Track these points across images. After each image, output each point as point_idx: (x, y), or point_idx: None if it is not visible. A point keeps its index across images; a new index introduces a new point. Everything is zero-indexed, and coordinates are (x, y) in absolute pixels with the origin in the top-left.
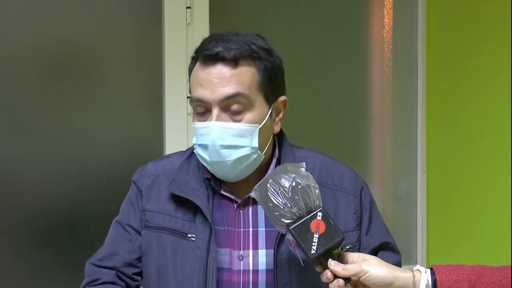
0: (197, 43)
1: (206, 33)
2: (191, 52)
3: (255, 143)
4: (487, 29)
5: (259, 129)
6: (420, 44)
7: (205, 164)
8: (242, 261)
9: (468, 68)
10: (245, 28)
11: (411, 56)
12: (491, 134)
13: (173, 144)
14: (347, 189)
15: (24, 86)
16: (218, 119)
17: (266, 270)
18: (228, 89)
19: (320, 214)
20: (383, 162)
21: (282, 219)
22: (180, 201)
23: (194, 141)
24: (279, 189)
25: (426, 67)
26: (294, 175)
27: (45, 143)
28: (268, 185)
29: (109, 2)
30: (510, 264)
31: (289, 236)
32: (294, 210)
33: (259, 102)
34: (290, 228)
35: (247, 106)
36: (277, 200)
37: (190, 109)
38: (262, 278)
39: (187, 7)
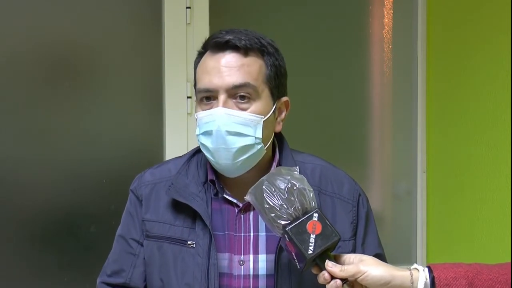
0: (197, 43)
1: (206, 33)
2: (191, 52)
3: (259, 133)
4: (487, 29)
5: (264, 121)
6: (420, 44)
7: (207, 154)
8: (242, 266)
9: (468, 68)
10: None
11: (411, 56)
12: (491, 134)
13: (173, 144)
14: (346, 198)
15: (24, 86)
16: (224, 105)
17: (267, 275)
18: (236, 78)
19: (316, 215)
20: (383, 162)
21: (279, 220)
22: (179, 208)
23: (197, 132)
24: (275, 190)
25: (426, 67)
26: (289, 177)
27: (45, 143)
28: (263, 187)
29: (109, 2)
30: (508, 262)
31: (285, 238)
32: (290, 211)
33: (265, 95)
34: (287, 229)
35: (254, 96)
36: (273, 201)
37: (190, 109)
38: (262, 283)
39: (187, 7)
